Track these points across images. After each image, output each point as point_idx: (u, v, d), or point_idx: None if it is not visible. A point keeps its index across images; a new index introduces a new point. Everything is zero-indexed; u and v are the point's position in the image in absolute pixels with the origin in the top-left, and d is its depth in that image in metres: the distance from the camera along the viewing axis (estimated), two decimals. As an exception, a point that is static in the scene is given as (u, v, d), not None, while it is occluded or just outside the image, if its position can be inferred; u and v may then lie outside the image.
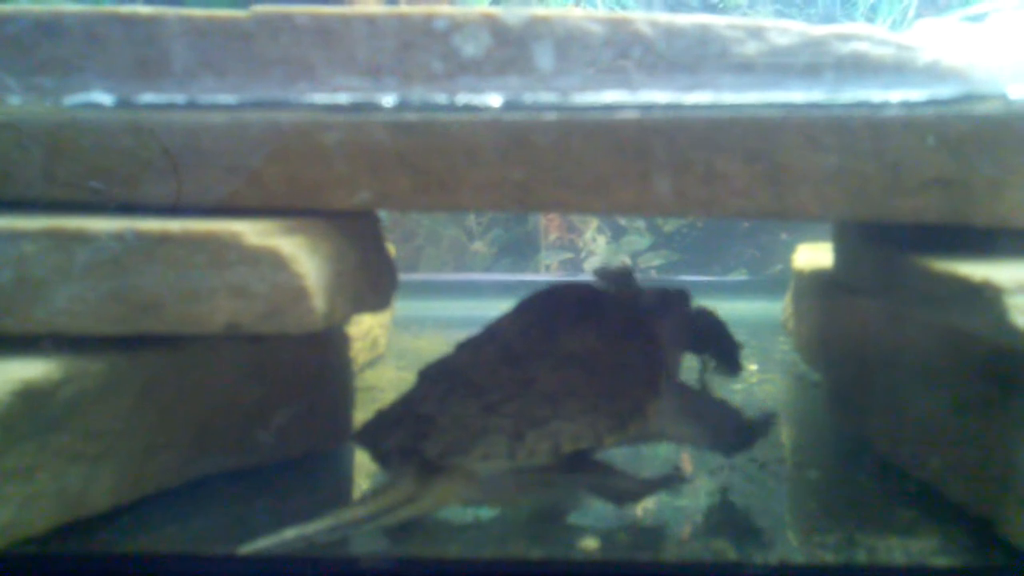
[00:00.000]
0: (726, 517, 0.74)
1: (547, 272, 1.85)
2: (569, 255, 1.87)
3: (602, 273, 0.91)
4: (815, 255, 1.18)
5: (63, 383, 0.62)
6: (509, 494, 0.69)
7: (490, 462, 0.66)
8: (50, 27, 0.67)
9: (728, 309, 0.92)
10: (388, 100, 0.64)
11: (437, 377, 0.74)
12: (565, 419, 0.68)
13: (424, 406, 0.71)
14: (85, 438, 0.64)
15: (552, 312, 0.79)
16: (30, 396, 0.60)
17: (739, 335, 0.89)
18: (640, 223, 1.85)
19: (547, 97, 0.65)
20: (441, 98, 0.65)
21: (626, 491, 0.71)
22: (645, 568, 0.59)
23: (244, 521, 0.69)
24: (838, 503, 0.75)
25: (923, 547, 0.65)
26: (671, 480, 0.75)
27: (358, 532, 0.64)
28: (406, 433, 0.69)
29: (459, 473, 0.67)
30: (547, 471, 0.68)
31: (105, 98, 0.65)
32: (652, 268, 1.82)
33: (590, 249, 1.86)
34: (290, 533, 0.61)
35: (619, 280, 0.90)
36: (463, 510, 0.71)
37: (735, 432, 0.79)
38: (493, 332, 0.78)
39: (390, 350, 1.29)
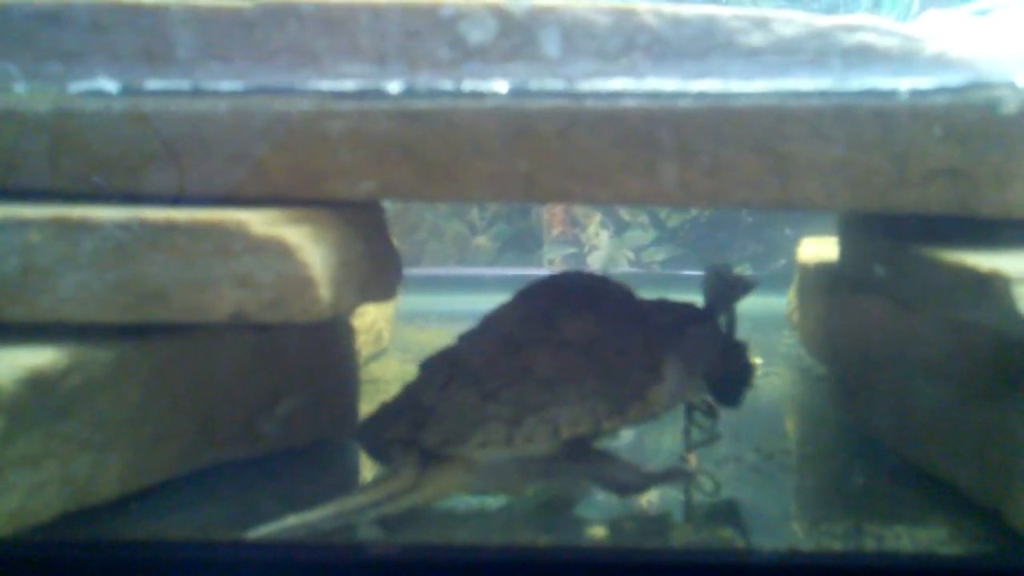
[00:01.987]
0: (733, 506, 0.74)
1: (550, 267, 1.85)
2: (572, 250, 1.86)
3: (718, 273, 0.85)
4: (820, 249, 1.18)
5: (70, 371, 0.62)
6: (511, 483, 0.69)
7: (488, 449, 0.66)
8: (54, 16, 0.67)
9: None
10: (394, 87, 0.64)
11: (437, 367, 0.74)
12: (563, 404, 0.68)
13: (423, 396, 0.71)
14: (93, 426, 0.64)
15: (551, 300, 0.79)
16: (37, 384, 0.60)
17: (744, 330, 0.88)
18: (643, 218, 1.85)
19: (554, 84, 0.65)
20: (447, 85, 0.65)
21: (629, 483, 0.71)
22: (652, 555, 0.59)
23: (251, 509, 0.69)
24: (845, 493, 0.75)
25: (931, 536, 0.65)
26: (677, 474, 0.75)
27: (360, 520, 0.64)
28: (406, 424, 0.69)
29: (459, 462, 0.67)
30: (548, 460, 0.68)
31: (110, 86, 0.65)
32: (655, 263, 1.82)
33: (593, 244, 1.86)
34: (292, 520, 0.61)
35: (727, 286, 0.84)
36: (469, 500, 0.70)
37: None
38: (492, 321, 0.78)
39: (394, 344, 1.29)
